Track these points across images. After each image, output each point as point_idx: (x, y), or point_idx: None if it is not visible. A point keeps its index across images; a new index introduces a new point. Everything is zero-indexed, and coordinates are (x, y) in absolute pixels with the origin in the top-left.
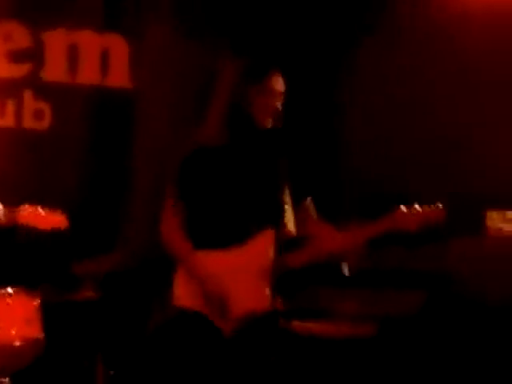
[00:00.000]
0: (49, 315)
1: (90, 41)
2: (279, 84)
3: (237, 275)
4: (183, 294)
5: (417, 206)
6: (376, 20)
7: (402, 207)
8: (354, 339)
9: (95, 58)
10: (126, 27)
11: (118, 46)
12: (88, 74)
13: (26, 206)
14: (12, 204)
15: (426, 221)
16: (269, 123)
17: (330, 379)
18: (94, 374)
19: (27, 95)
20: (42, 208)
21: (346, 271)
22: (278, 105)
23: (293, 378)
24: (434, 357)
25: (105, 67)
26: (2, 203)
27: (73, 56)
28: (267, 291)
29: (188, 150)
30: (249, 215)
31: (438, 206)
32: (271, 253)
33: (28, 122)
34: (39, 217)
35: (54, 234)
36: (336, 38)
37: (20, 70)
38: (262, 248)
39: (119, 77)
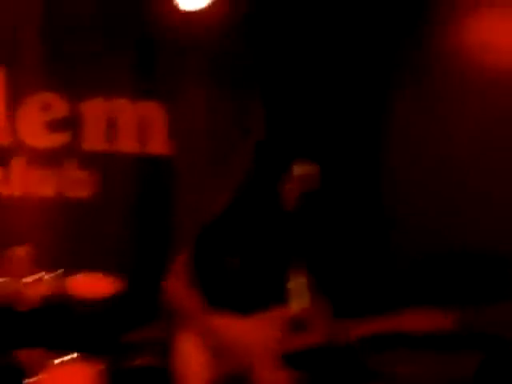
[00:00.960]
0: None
1: (127, 109)
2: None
3: (248, 343)
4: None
5: (427, 310)
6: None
7: (413, 309)
8: None
9: (133, 125)
10: (162, 93)
11: (155, 113)
12: (127, 142)
13: (77, 275)
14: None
15: (438, 325)
16: (293, 207)
17: None
18: None
19: (68, 165)
20: (95, 274)
21: None
22: (304, 189)
23: None
24: None
25: (143, 135)
26: (47, 270)
27: (111, 125)
28: (279, 366)
29: (206, 221)
30: (260, 291)
31: (449, 312)
32: (277, 330)
33: (69, 192)
34: (89, 285)
35: (107, 300)
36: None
37: (59, 140)
38: (269, 324)
39: (158, 143)
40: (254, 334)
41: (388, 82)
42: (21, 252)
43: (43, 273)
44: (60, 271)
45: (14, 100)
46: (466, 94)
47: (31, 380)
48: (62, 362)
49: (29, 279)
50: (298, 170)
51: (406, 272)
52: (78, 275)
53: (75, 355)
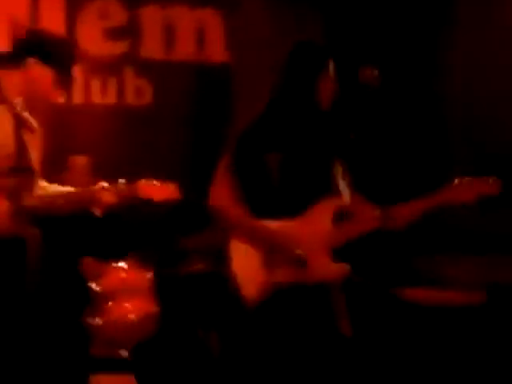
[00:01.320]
0: (161, 288)
1: (185, 16)
2: (333, 70)
3: (302, 244)
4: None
5: (471, 178)
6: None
7: (456, 180)
8: (463, 307)
9: (191, 33)
10: (220, 1)
11: (213, 21)
12: (185, 50)
13: (142, 180)
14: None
15: (482, 191)
16: (329, 106)
17: (439, 347)
18: (208, 345)
19: (127, 72)
20: (157, 180)
21: None
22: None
23: (404, 346)
24: None
25: (201, 42)
26: (106, 178)
27: (169, 32)
28: (328, 260)
29: (247, 124)
30: (304, 189)
31: (492, 178)
32: (329, 222)
33: (129, 99)
34: (155, 188)
35: (167, 206)
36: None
37: (118, 48)
38: (320, 218)
39: (215, 51)
40: (303, 230)
41: None
42: (81, 160)
43: (104, 182)
44: (122, 180)
45: (73, 8)
46: None
47: (93, 285)
48: (118, 268)
49: (100, 186)
50: (333, 68)
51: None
52: (142, 180)
53: (130, 261)
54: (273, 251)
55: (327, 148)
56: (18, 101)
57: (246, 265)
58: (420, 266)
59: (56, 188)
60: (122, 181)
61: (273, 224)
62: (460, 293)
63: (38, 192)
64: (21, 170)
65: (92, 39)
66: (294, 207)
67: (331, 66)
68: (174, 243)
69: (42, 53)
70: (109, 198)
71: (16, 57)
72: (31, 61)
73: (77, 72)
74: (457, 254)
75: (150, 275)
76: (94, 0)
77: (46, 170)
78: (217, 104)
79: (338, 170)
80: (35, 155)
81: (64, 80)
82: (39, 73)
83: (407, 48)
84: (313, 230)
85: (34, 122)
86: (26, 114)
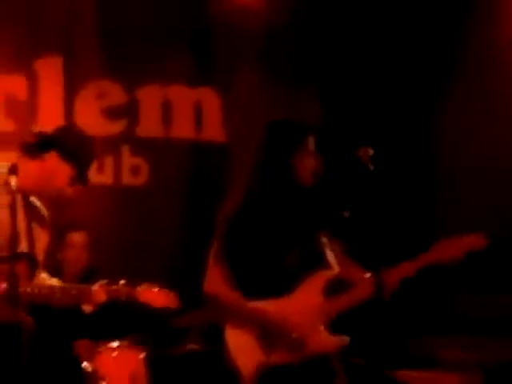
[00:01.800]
0: (154, 369)
1: (182, 95)
2: (313, 144)
3: (294, 319)
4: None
5: (457, 236)
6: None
7: (443, 239)
8: None
9: (188, 112)
10: (217, 80)
11: (210, 99)
12: (182, 129)
13: (143, 285)
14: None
15: (469, 247)
16: (310, 182)
17: None
18: None
19: (124, 151)
20: (156, 287)
21: None
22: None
23: None
24: None
25: (198, 121)
26: (103, 258)
27: (166, 111)
28: (324, 332)
29: (230, 208)
30: (293, 264)
31: (478, 234)
32: (320, 296)
33: (126, 178)
34: (154, 294)
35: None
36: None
37: (116, 127)
38: (312, 291)
39: (213, 129)
40: (296, 306)
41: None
42: (79, 237)
43: (105, 281)
44: (122, 281)
45: (72, 88)
46: None
47: (86, 365)
48: (111, 349)
49: (99, 285)
50: (312, 143)
51: None
52: (143, 286)
53: (123, 341)
54: (269, 334)
55: (312, 222)
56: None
57: (242, 346)
58: (415, 348)
59: (55, 281)
60: (122, 282)
61: (265, 304)
62: (455, 374)
63: (37, 282)
64: (23, 257)
65: (89, 118)
66: (284, 284)
67: (310, 142)
68: (167, 322)
69: (65, 149)
70: (103, 297)
71: (39, 148)
72: (53, 154)
73: None
74: (451, 336)
75: (142, 355)
76: (93, 79)
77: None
78: (213, 183)
79: (325, 241)
80: (40, 246)
81: (81, 177)
82: (58, 167)
83: (402, 123)
84: (305, 306)
85: (45, 213)
86: (38, 204)
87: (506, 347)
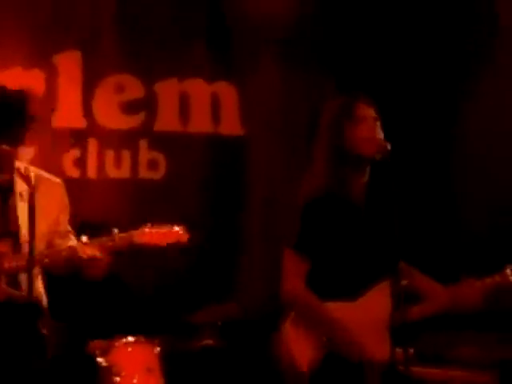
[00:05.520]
0: (169, 364)
1: (200, 90)
2: (369, 110)
3: (360, 326)
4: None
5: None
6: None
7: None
8: None
9: (206, 106)
10: (235, 74)
11: (228, 93)
12: (200, 123)
13: (143, 226)
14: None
15: None
16: (375, 154)
17: None
18: None
19: (142, 146)
20: (162, 225)
21: None
22: (377, 132)
23: None
24: None
25: (216, 115)
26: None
27: (184, 105)
28: (387, 343)
29: (307, 200)
30: (369, 266)
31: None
32: (389, 304)
33: (143, 173)
34: (157, 234)
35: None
36: (451, 69)
37: (134, 121)
38: (380, 299)
39: (230, 124)
40: (362, 312)
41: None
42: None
43: (85, 236)
44: (115, 230)
45: (90, 83)
46: None
47: (101, 360)
48: (126, 344)
49: (84, 239)
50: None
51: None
52: (142, 228)
53: (139, 337)
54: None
55: (389, 217)
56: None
57: (302, 340)
58: (427, 344)
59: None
60: (114, 230)
61: (335, 307)
62: (469, 372)
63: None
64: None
65: (108, 113)
66: (355, 288)
67: (361, 108)
68: (183, 317)
69: None
70: (93, 251)
71: None
72: None
73: (91, 146)
74: (465, 333)
75: (157, 350)
76: (111, 74)
77: None
78: (231, 177)
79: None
80: (24, 219)
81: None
82: None
83: (420, 115)
84: (372, 312)
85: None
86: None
87: None
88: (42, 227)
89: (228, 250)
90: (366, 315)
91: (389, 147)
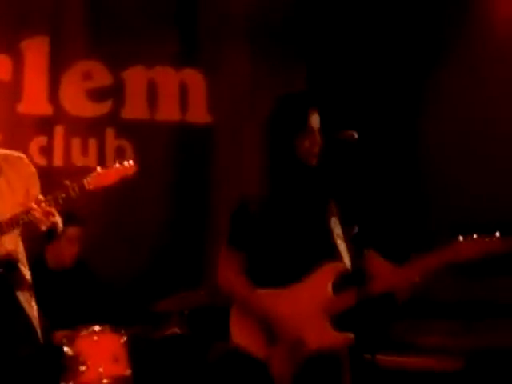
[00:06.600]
0: (135, 352)
1: (168, 77)
2: (317, 122)
3: (299, 313)
4: (239, 332)
5: (475, 236)
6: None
7: (461, 237)
8: (439, 373)
9: (174, 94)
10: (202, 61)
11: (196, 81)
12: (168, 111)
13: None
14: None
15: (486, 250)
16: (314, 161)
17: None
18: None
19: (109, 134)
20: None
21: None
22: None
23: None
24: None
25: (184, 102)
26: (88, 236)
27: (152, 93)
28: (329, 327)
29: (237, 203)
30: (304, 252)
31: (496, 236)
32: (329, 289)
33: (110, 161)
34: (104, 175)
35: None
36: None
37: (101, 109)
38: (320, 284)
39: (198, 111)
40: (302, 297)
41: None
42: (73, 232)
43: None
44: (66, 182)
45: (57, 69)
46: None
47: (67, 350)
48: (92, 333)
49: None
50: (315, 121)
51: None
52: (91, 174)
53: (104, 326)
54: (271, 329)
55: (322, 206)
56: None
57: (246, 336)
58: (395, 332)
59: None
60: (66, 182)
61: (272, 293)
62: (435, 359)
63: None
64: None
65: (75, 100)
66: (293, 274)
67: (313, 120)
68: (148, 307)
69: None
70: (48, 207)
71: None
72: None
73: (57, 133)
74: (432, 320)
75: (123, 339)
76: (78, 61)
77: None
78: (198, 164)
79: (338, 232)
80: None
81: None
82: None
83: (388, 105)
84: (312, 297)
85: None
86: None
87: (487, 331)
88: (12, 204)
89: (195, 238)
90: (300, 301)
91: (356, 136)
